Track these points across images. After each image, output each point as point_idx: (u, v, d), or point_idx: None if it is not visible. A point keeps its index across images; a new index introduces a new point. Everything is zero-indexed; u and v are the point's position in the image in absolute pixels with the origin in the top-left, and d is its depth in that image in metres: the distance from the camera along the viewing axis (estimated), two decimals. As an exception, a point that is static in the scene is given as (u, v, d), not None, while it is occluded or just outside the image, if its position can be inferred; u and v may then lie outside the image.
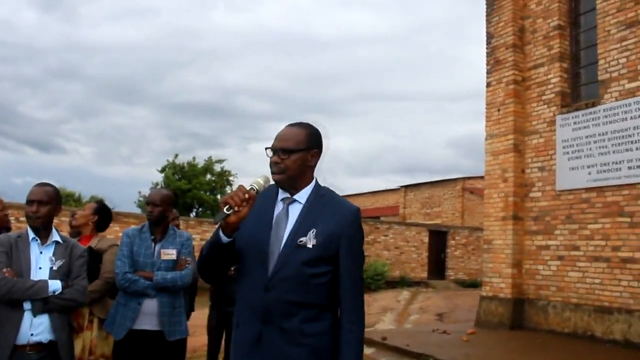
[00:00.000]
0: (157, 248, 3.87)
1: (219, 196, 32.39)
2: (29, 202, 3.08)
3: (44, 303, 2.91)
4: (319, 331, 2.13)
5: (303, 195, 2.22)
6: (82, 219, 4.29)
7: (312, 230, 2.10)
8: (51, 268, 3.03)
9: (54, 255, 3.07)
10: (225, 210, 2.00)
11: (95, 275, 3.94)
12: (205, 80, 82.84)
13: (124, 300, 3.74)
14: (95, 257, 3.96)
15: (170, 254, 3.88)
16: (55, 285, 2.96)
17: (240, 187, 2.05)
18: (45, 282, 2.94)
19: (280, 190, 2.23)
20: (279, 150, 2.16)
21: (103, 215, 4.34)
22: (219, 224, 2.05)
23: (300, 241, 2.10)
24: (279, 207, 2.21)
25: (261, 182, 2.11)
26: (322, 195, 2.24)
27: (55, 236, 3.13)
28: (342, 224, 2.16)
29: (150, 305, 3.74)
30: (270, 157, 2.18)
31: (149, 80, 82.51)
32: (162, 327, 3.74)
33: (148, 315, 3.73)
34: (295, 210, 2.19)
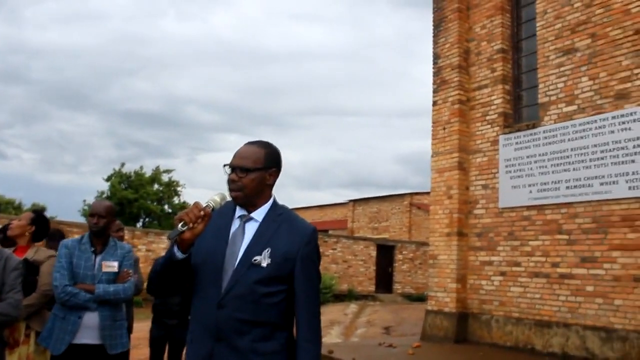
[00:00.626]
0: (97, 260, 3.79)
1: (166, 206, 31.90)
2: None
3: None
4: (271, 350, 2.13)
5: (260, 213, 2.22)
6: (17, 229, 4.13)
7: (267, 250, 2.11)
8: None
9: None
10: (180, 226, 2.00)
11: (32, 287, 3.84)
12: (154, 89, 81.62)
13: (62, 314, 3.65)
14: (31, 268, 3.87)
15: (111, 266, 3.81)
16: None
17: (196, 204, 2.06)
18: None
19: (237, 208, 2.24)
20: (237, 168, 2.18)
21: (40, 225, 4.23)
22: (173, 240, 2.05)
23: (255, 260, 2.10)
24: (235, 224, 2.22)
25: (217, 199, 2.12)
26: (280, 214, 2.25)
27: None
28: (298, 243, 2.17)
29: (91, 318, 3.68)
30: (229, 174, 2.19)
31: (96, 86, 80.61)
32: (103, 341, 3.69)
33: (88, 329, 3.66)
34: (251, 228, 2.20)
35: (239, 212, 2.23)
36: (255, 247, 2.14)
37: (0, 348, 3.04)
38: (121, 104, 72.16)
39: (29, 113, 74.16)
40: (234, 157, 2.21)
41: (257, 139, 2.30)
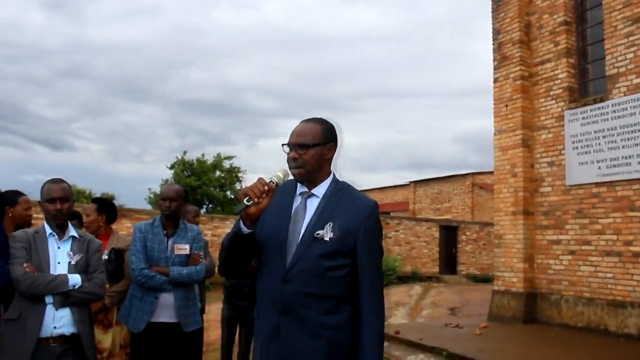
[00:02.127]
0: (169, 243, 3.94)
1: (228, 192, 32.45)
2: (51, 200, 3.11)
3: (64, 297, 3.00)
4: (336, 324, 2.16)
5: (321, 189, 2.26)
6: (93, 225, 4.34)
7: (329, 224, 2.15)
8: (69, 263, 3.10)
9: (71, 250, 3.15)
10: (245, 201, 2.07)
11: (120, 274, 4.08)
12: (212, 78, 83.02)
13: (139, 294, 3.84)
14: (119, 257, 4.08)
15: (183, 249, 3.96)
16: (75, 280, 3.04)
17: (260, 180, 2.12)
18: (65, 277, 3.02)
19: (298, 185, 2.29)
20: (296, 145, 2.21)
21: (107, 210, 4.45)
22: (239, 214, 2.13)
23: (318, 234, 2.15)
24: (297, 201, 2.26)
25: (280, 175, 2.19)
26: (340, 189, 2.27)
27: (71, 231, 3.20)
28: (359, 218, 2.19)
29: (167, 298, 3.86)
30: (288, 153, 2.23)
31: (156, 78, 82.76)
32: (178, 319, 3.86)
33: (165, 308, 3.85)
34: (313, 204, 2.24)
35: (300, 189, 2.29)
36: (317, 222, 2.19)
37: (90, 325, 3.22)
38: (181, 94, 73.84)
39: (94, 107, 77.01)
40: (292, 135, 2.25)
41: (312, 117, 2.33)
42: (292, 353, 2.15)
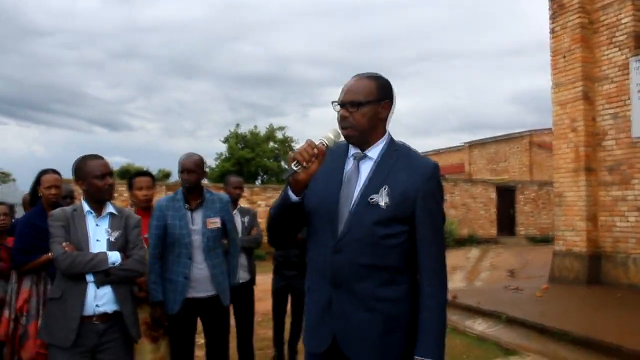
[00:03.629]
0: (194, 216, 3.79)
1: (282, 163, 32.61)
2: (100, 176, 3.05)
3: (105, 275, 2.96)
4: (394, 296, 2.00)
5: (375, 150, 2.08)
6: (149, 200, 4.21)
7: (384, 188, 1.97)
8: (108, 240, 3.06)
9: (109, 227, 3.09)
10: (293, 166, 1.91)
11: None
12: (260, 51, 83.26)
13: (168, 276, 3.74)
14: None
15: (214, 222, 3.83)
16: (115, 257, 3.00)
17: (309, 142, 1.94)
18: (104, 254, 2.98)
19: (350, 147, 2.11)
20: (348, 103, 2.03)
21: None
22: (287, 181, 1.97)
23: (372, 199, 1.97)
24: (349, 164, 2.09)
25: (331, 136, 2.01)
26: (396, 150, 2.09)
27: (109, 208, 3.14)
28: (418, 181, 1.99)
29: (200, 271, 3.75)
30: (338, 112, 2.06)
31: (206, 55, 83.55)
32: (217, 291, 3.80)
33: (199, 282, 3.75)
34: (366, 167, 2.06)
35: (352, 151, 2.11)
36: (371, 186, 2.01)
37: (132, 302, 3.18)
38: (231, 68, 74.49)
39: (148, 86, 78.61)
40: (343, 92, 2.07)
41: (365, 72, 2.12)
42: (344, 329, 2.01)
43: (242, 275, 4.68)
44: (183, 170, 3.80)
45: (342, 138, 2.07)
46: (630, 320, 6.41)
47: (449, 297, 8.04)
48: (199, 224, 3.79)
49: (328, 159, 2.02)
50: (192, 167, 3.80)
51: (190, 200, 3.83)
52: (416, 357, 1.95)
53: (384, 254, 1.99)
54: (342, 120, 2.04)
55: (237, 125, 33.27)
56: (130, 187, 4.20)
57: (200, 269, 3.75)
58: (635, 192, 8.44)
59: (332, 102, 2.08)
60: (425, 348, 1.95)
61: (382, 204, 1.96)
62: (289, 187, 1.98)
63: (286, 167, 1.96)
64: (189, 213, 3.79)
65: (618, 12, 8.79)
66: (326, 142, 1.98)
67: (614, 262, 8.71)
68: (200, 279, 3.75)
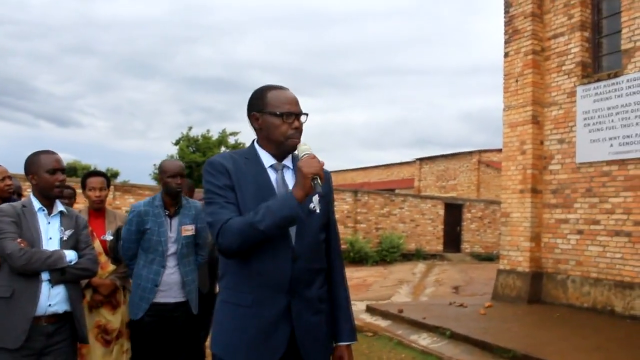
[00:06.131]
0: (173, 223, 3.73)
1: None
2: (52, 170, 2.96)
3: (61, 273, 2.88)
4: (326, 297, 2.18)
5: (289, 160, 2.16)
6: (103, 201, 4.09)
7: (315, 195, 2.00)
8: (61, 238, 2.98)
9: (61, 225, 3.02)
10: (319, 182, 1.95)
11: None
12: (217, 55, 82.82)
13: (138, 280, 3.68)
14: (119, 236, 3.92)
15: (189, 229, 3.78)
16: (71, 255, 2.93)
17: (313, 156, 2.00)
18: (62, 252, 2.90)
19: (261, 156, 2.14)
20: (301, 115, 2.13)
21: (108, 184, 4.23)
22: (287, 198, 1.95)
23: (312, 207, 2.01)
24: (271, 174, 2.12)
25: (309, 147, 2.07)
26: (294, 159, 2.16)
27: (59, 206, 3.06)
28: (326, 186, 2.12)
29: (172, 275, 3.70)
30: (290, 121, 2.09)
31: (162, 55, 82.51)
32: (186, 297, 3.75)
33: (170, 286, 3.70)
34: (289, 177, 2.13)
35: (268, 161, 2.13)
36: None
37: (82, 302, 3.12)
38: (186, 71, 73.78)
39: (100, 83, 77.00)
40: (292, 103, 2.12)
41: (279, 84, 2.19)
42: (303, 334, 2.05)
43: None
44: (174, 175, 3.72)
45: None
46: (568, 338, 6.61)
47: (395, 311, 8.15)
48: (175, 231, 3.73)
49: (246, 171, 2.07)
50: (182, 172, 3.76)
51: (169, 207, 3.77)
52: (349, 343, 2.20)
53: (322, 257, 2.16)
54: (296, 131, 2.10)
55: (190, 128, 33.00)
56: (83, 187, 4.09)
57: (171, 274, 3.69)
58: (577, 216, 8.74)
59: (303, 114, 2.14)
60: (353, 334, 2.22)
61: (317, 210, 2.02)
62: (295, 203, 1.93)
63: (316, 183, 1.95)
64: (168, 220, 3.73)
65: (568, 41, 9.13)
66: (313, 153, 2.02)
67: (554, 281, 8.98)
68: (171, 283, 3.68)
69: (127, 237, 3.68)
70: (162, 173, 3.75)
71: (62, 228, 3.01)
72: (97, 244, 3.74)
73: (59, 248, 2.93)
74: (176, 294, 3.70)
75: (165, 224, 3.70)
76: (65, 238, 2.99)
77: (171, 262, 3.70)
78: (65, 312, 2.91)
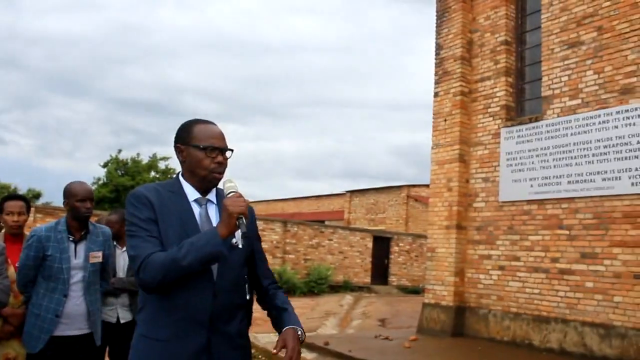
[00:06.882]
0: (78, 248, 3.54)
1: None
2: None
3: None
4: (245, 331, 2.18)
5: (212, 194, 2.18)
6: (23, 225, 3.92)
7: (237, 231, 1.99)
8: None
9: None
10: (243, 221, 1.95)
11: None
12: (151, 77, 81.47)
13: (37, 310, 3.43)
14: None
15: (97, 256, 3.60)
16: None
17: (239, 194, 2.00)
18: None
19: (185, 190, 2.15)
20: (226, 150, 2.15)
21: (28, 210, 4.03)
22: (214, 236, 1.94)
23: (234, 242, 2.02)
24: (195, 209, 2.12)
25: (235, 184, 2.07)
26: (218, 193, 2.20)
27: None
28: (252, 219, 2.16)
29: (75, 306, 3.50)
30: (214, 156, 2.11)
31: (94, 74, 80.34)
32: (90, 329, 3.57)
33: (73, 318, 3.50)
34: (212, 211, 2.15)
35: (192, 195, 2.14)
36: None
37: None
38: (119, 91, 72.15)
39: (26, 99, 74.12)
40: (217, 138, 2.15)
41: (207, 119, 2.23)
42: None
43: (124, 315, 4.41)
44: (84, 199, 3.53)
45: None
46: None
47: (322, 344, 8.15)
48: (81, 257, 3.54)
49: (170, 204, 2.08)
50: (91, 196, 3.58)
51: (75, 232, 3.56)
52: (297, 327, 2.13)
53: (243, 292, 2.16)
54: (219, 166, 2.13)
55: (119, 151, 32.33)
56: (0, 211, 3.89)
57: (77, 305, 3.49)
58: (499, 252, 9.07)
59: (228, 150, 2.16)
60: (299, 325, 2.16)
61: (240, 245, 2.04)
62: (220, 240, 1.93)
63: (242, 222, 1.94)
64: (72, 245, 3.53)
65: (494, 85, 9.60)
66: (239, 191, 2.03)
67: (477, 316, 9.25)
68: (76, 315, 3.48)
69: (25, 263, 3.41)
70: (70, 197, 3.55)
71: None
72: (11, 272, 3.50)
73: None
74: (81, 325, 3.51)
75: (68, 250, 3.50)
76: None
77: (76, 291, 3.50)
78: None
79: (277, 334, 2.19)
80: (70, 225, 3.56)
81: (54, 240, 3.47)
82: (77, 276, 3.52)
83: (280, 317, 2.21)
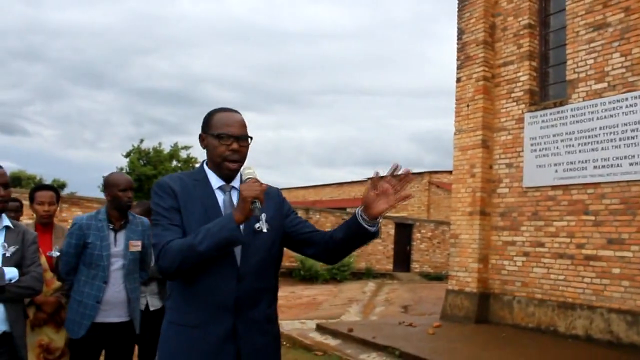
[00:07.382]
0: (118, 237, 3.64)
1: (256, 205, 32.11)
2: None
3: (0, 291, 2.76)
4: (275, 317, 2.20)
5: (236, 181, 2.20)
6: (52, 215, 4.05)
7: (262, 215, 1.99)
8: (4, 255, 2.86)
9: (5, 241, 2.90)
10: (258, 205, 1.95)
11: None
12: (171, 68, 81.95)
13: (79, 297, 3.55)
14: None
15: (136, 245, 3.70)
16: (12, 273, 2.81)
17: (256, 180, 2.01)
18: (1, 270, 2.78)
19: (209, 178, 2.18)
20: (242, 137, 2.15)
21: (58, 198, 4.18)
22: (228, 221, 1.96)
23: (258, 227, 2.00)
24: (219, 196, 2.16)
25: (255, 172, 2.08)
26: (242, 181, 2.19)
27: (5, 221, 2.95)
28: (278, 202, 2.21)
29: (116, 293, 3.60)
30: (228, 144, 2.12)
31: (115, 65, 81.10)
32: (130, 317, 3.67)
33: (113, 305, 3.60)
34: (236, 198, 2.13)
35: (216, 182, 2.17)
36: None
37: (23, 322, 3.01)
38: (139, 82, 72.74)
39: (49, 91, 75.09)
40: (233, 126, 2.15)
41: (230, 107, 2.24)
42: (250, 353, 2.06)
43: (153, 303, 4.47)
44: (125, 188, 3.64)
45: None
46: (512, 359, 6.77)
47: (345, 330, 8.18)
48: (121, 245, 3.64)
49: (198, 191, 2.11)
50: (132, 186, 3.69)
51: (115, 221, 3.67)
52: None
53: (270, 276, 2.17)
54: (234, 153, 2.13)
55: (141, 140, 32.50)
56: (32, 200, 3.98)
57: (117, 292, 3.58)
58: (523, 238, 9.00)
59: (229, 136, 2.13)
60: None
61: (265, 230, 2.01)
62: (235, 226, 1.94)
63: (256, 207, 1.95)
64: (112, 234, 3.63)
65: (517, 69, 9.47)
66: (257, 177, 2.04)
67: (501, 302, 9.20)
68: (116, 302, 3.58)
69: (67, 250, 3.55)
70: (112, 186, 3.65)
71: (5, 244, 2.89)
72: (42, 260, 3.60)
73: (1, 265, 2.82)
74: (120, 313, 3.60)
75: (108, 238, 3.60)
76: (8, 255, 2.87)
77: (116, 279, 3.59)
78: (4, 333, 2.80)
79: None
80: (110, 215, 3.67)
81: (94, 228, 3.57)
82: (117, 264, 3.61)
83: (344, 224, 2.17)
